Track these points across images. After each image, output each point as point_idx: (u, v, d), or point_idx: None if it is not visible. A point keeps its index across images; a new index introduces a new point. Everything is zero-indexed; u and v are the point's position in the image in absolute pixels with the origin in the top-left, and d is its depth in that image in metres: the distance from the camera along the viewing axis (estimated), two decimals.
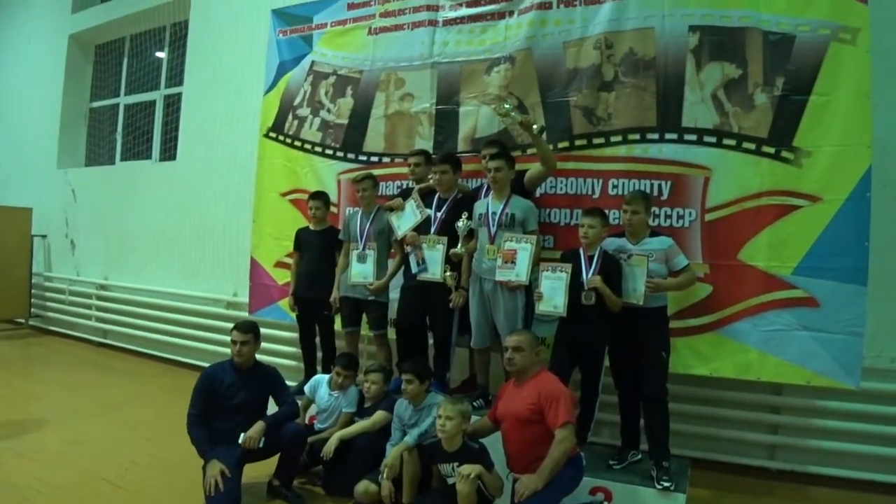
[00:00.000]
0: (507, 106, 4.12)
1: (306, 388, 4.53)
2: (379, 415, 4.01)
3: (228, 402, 3.81)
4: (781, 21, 4.00)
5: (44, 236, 9.46)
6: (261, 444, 3.73)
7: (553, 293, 3.82)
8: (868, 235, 3.77)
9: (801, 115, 3.94)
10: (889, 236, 4.07)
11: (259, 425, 3.75)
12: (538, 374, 3.42)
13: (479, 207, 4.22)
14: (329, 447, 3.88)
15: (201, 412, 3.79)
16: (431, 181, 4.52)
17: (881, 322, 4.07)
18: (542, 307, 3.86)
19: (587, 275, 3.79)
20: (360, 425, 4.02)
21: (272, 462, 3.93)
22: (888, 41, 4.01)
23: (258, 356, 4.05)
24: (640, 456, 3.96)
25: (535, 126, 3.98)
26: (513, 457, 3.41)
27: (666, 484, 3.56)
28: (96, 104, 9.56)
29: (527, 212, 4.08)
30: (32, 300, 9.31)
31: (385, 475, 3.64)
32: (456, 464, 3.40)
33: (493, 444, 3.52)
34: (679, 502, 3.49)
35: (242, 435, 3.70)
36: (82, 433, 4.96)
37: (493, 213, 4.11)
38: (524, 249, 3.95)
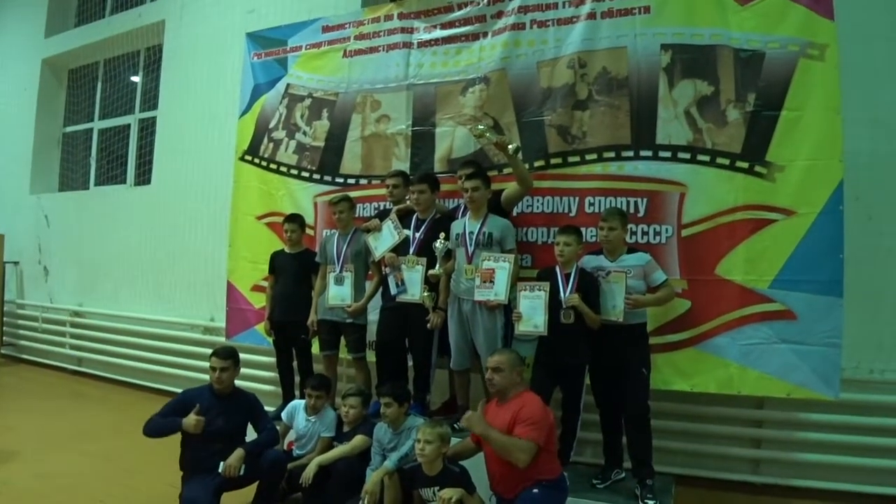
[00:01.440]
0: (481, 127, 4.13)
1: (283, 415, 4.45)
2: (358, 439, 3.94)
3: (207, 428, 3.73)
4: (751, 38, 4.07)
5: (16, 263, 9.30)
6: (241, 472, 3.65)
7: (532, 312, 3.80)
8: (842, 247, 3.82)
9: (773, 130, 4.00)
10: (862, 248, 4.13)
11: (239, 453, 3.68)
12: (521, 394, 3.36)
13: (456, 227, 4.21)
14: (308, 474, 3.80)
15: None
16: (409, 201, 4.50)
17: (858, 333, 4.11)
18: (521, 327, 3.84)
19: (565, 293, 3.78)
20: (340, 450, 3.95)
21: (250, 490, 3.84)
22: (856, 57, 4.10)
23: (236, 381, 3.98)
24: (623, 474, 3.93)
25: (510, 146, 3.99)
26: (495, 477, 3.35)
27: (650, 502, 3.54)
28: (70, 129, 9.46)
29: (504, 231, 4.07)
30: (4, 328, 9.11)
31: (366, 501, 3.57)
32: (437, 488, 3.35)
33: (476, 467, 3.47)
34: None
35: (222, 463, 3.63)
36: (55, 465, 4.82)
37: (471, 233, 4.09)
38: (502, 269, 3.93)
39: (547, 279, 3.86)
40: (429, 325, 4.23)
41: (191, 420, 3.63)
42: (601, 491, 3.76)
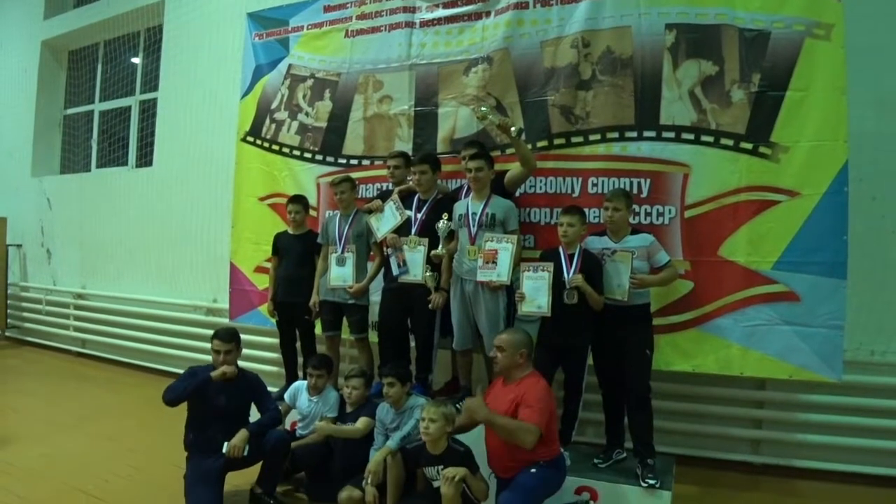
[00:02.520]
0: (484, 108, 4.09)
1: (286, 396, 4.48)
2: (363, 422, 3.96)
3: (210, 409, 3.74)
4: (756, 18, 4.02)
5: (19, 246, 9.31)
6: (245, 453, 3.66)
7: (536, 293, 3.79)
8: (846, 229, 3.80)
9: (778, 110, 3.97)
10: (866, 230, 4.12)
11: (243, 433, 3.69)
12: (526, 377, 3.36)
13: (459, 208, 4.19)
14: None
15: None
16: (411, 182, 4.49)
17: (860, 315, 4.12)
18: (525, 308, 3.82)
19: (568, 274, 3.77)
20: (347, 430, 3.95)
21: (254, 470, 3.87)
22: (861, 37, 4.04)
23: (240, 362, 3.99)
24: (624, 454, 3.95)
25: (513, 128, 3.95)
26: (493, 456, 3.38)
27: (651, 482, 3.56)
28: (71, 111, 9.42)
29: (507, 211, 4.06)
30: (8, 311, 9.16)
31: (369, 480, 3.60)
32: (441, 466, 3.36)
33: (478, 445, 3.48)
34: (665, 500, 3.49)
35: (226, 444, 3.64)
36: (60, 446, 4.87)
37: (474, 214, 4.08)
38: (505, 249, 3.92)
39: (550, 260, 3.85)
40: (431, 306, 4.23)
41: (218, 371, 3.69)
42: (603, 470, 3.78)
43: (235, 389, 3.85)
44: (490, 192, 4.12)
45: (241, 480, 3.92)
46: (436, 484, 3.38)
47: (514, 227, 4.06)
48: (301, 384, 4.45)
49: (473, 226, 4.07)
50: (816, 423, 4.33)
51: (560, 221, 3.89)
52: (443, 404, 3.52)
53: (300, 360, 5.18)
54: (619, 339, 3.77)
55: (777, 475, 4.38)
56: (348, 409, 4.16)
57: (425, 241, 4.28)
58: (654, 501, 3.51)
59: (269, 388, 4.18)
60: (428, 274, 4.22)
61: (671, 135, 4.20)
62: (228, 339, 3.86)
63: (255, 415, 3.96)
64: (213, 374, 3.70)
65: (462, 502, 3.29)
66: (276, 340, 5.37)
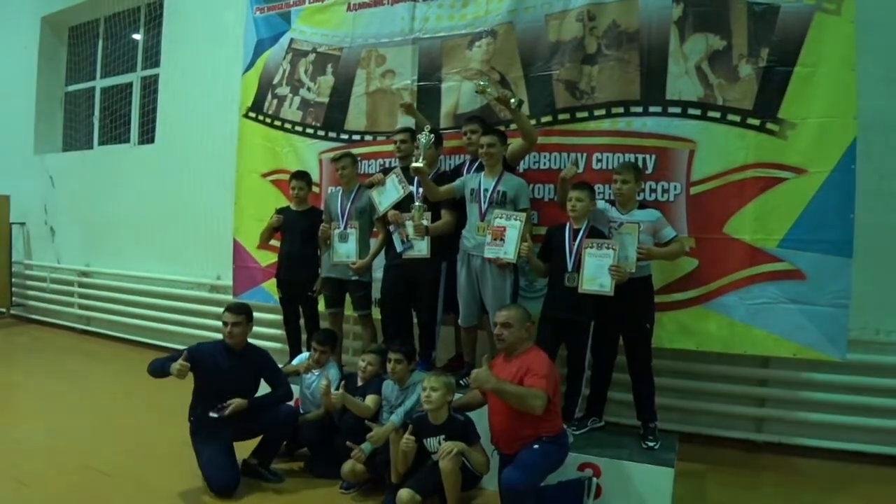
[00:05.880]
0: (482, 82, 4.04)
1: (294, 362, 4.54)
2: (371, 399, 3.93)
3: (218, 385, 3.75)
4: None
5: (22, 224, 9.31)
6: (225, 413, 3.67)
7: (599, 271, 3.69)
8: (853, 207, 3.76)
9: (786, 86, 3.91)
10: (873, 208, 4.06)
11: (242, 401, 3.72)
12: (528, 350, 3.36)
13: (471, 182, 4.15)
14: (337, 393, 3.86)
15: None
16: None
17: (865, 294, 4.06)
18: (586, 286, 3.72)
19: (570, 254, 3.77)
20: (359, 405, 3.93)
21: (251, 443, 3.91)
22: (872, 12, 3.97)
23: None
24: (602, 423, 4.03)
25: (512, 100, 3.89)
26: (496, 432, 3.37)
27: (650, 443, 3.64)
28: (72, 88, 9.36)
29: (519, 190, 4.04)
30: (13, 289, 9.19)
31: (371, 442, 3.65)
32: (442, 437, 3.39)
33: (480, 419, 3.50)
34: (667, 477, 3.48)
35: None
36: (67, 422, 4.88)
37: (485, 190, 4.05)
38: (513, 227, 3.89)
39: (557, 235, 3.88)
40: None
41: (176, 365, 3.59)
42: (606, 447, 3.72)
43: (244, 366, 3.86)
44: (502, 169, 4.09)
45: (238, 454, 3.92)
46: (435, 457, 3.37)
47: (524, 205, 4.04)
48: (305, 356, 4.50)
49: (484, 202, 4.05)
50: (820, 401, 4.32)
51: (569, 197, 3.85)
52: (444, 374, 3.54)
53: (304, 336, 5.18)
54: (620, 312, 3.75)
55: (780, 453, 4.39)
56: (359, 383, 4.14)
57: (428, 214, 4.25)
58: (657, 478, 3.48)
59: None
60: (417, 206, 4.15)
61: (677, 110, 4.15)
62: (238, 311, 3.85)
63: (264, 391, 3.98)
64: (172, 367, 3.60)
65: (462, 476, 3.31)
66: (279, 317, 5.36)
